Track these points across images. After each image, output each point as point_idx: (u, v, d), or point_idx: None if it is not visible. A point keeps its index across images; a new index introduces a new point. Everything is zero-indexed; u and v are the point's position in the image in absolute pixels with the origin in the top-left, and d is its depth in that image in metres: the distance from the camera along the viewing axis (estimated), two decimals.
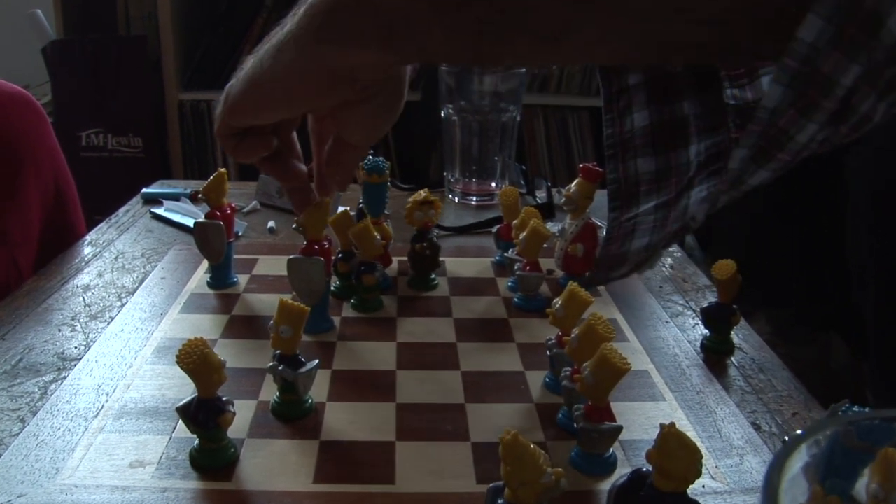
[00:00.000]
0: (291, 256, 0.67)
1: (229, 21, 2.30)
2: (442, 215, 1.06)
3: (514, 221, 0.79)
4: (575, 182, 0.78)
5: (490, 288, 0.81)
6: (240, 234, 0.96)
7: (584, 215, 0.79)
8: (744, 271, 0.67)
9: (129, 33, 2.38)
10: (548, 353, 0.61)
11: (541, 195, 1.10)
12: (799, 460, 0.25)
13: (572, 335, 0.54)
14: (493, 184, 1.12)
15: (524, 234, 0.74)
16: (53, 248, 0.90)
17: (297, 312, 0.55)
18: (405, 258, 0.82)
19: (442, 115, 1.11)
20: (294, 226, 0.68)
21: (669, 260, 0.91)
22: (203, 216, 0.77)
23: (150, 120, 2.27)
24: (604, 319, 0.54)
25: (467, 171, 1.13)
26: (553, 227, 0.83)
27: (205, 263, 0.82)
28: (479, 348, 0.68)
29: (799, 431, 0.25)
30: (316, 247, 0.68)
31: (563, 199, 0.78)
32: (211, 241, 0.76)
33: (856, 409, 0.45)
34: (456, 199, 1.13)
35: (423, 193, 0.78)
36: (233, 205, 0.79)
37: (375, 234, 0.73)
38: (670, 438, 0.38)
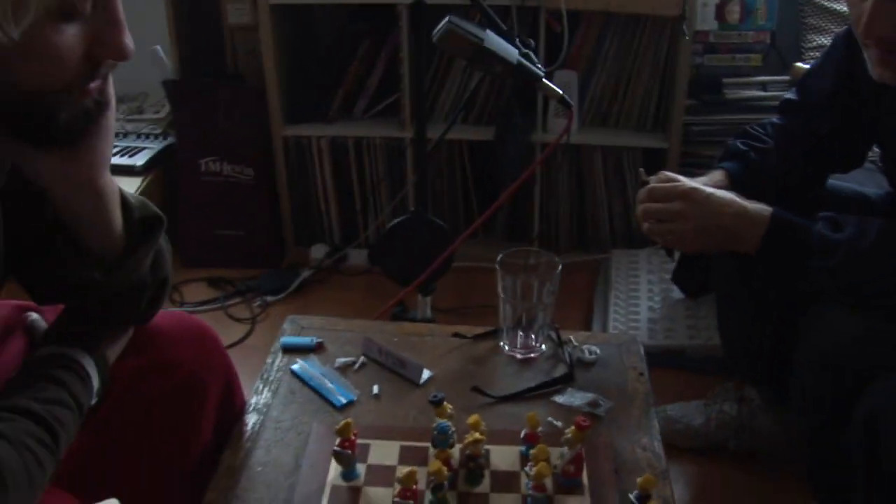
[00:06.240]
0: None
1: (328, 62, 2.64)
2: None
3: (532, 451, 1.19)
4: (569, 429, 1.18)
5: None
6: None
7: (575, 447, 1.19)
8: None
9: (236, 68, 2.72)
10: None
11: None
12: None
13: None
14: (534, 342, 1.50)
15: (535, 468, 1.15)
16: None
17: None
18: None
19: None
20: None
21: None
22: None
23: (259, 152, 2.65)
24: None
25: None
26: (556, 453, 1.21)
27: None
28: None
29: None
30: None
31: (563, 438, 1.18)
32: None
33: None
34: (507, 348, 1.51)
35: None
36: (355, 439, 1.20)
37: None
38: None
